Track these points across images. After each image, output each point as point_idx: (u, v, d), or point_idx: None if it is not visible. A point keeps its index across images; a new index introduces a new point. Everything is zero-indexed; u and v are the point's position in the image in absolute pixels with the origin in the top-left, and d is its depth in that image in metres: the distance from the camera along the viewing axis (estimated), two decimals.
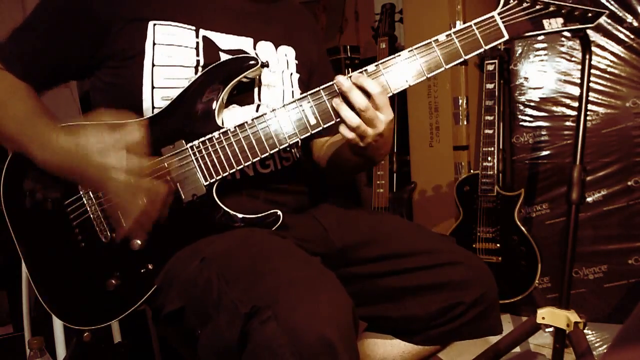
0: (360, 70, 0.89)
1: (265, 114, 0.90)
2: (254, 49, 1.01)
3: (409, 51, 0.90)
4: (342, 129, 0.88)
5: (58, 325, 1.20)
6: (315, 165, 1.19)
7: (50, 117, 0.89)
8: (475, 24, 0.90)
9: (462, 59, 0.90)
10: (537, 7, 0.90)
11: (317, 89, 0.90)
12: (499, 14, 0.91)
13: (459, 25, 0.91)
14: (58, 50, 0.93)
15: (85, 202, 0.90)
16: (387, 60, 0.90)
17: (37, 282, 0.93)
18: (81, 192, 0.90)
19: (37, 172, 0.91)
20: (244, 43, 1.00)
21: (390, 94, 0.89)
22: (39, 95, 0.96)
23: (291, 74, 1.07)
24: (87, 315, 0.93)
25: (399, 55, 0.90)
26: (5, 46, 0.93)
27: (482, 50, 0.91)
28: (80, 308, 0.93)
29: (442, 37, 0.90)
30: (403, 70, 0.90)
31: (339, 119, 0.89)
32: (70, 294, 0.93)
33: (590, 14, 0.92)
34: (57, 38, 0.93)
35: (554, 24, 0.91)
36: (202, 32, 0.95)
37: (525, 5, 0.90)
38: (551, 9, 0.90)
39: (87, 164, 0.83)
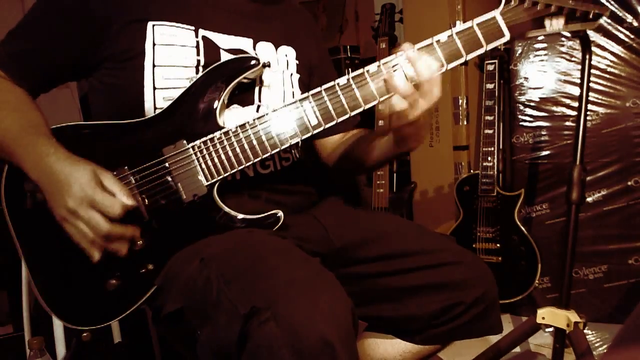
0: (391, 57, 0.89)
1: (266, 114, 0.90)
2: (254, 49, 1.01)
3: (412, 50, 0.89)
4: (395, 99, 0.87)
5: (58, 325, 1.20)
6: (322, 165, 1.19)
7: (45, 129, 0.88)
8: (477, 24, 0.90)
9: (463, 59, 0.90)
10: (539, 7, 0.90)
11: (319, 89, 0.90)
12: (500, 13, 0.91)
13: (459, 25, 0.91)
14: (55, 52, 0.93)
15: None
16: (390, 60, 0.89)
17: (37, 282, 0.93)
18: None
19: None
20: (243, 43, 1.00)
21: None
22: (35, 98, 0.95)
23: (291, 74, 1.07)
24: (87, 315, 0.93)
25: (401, 55, 0.89)
26: (1, 48, 0.93)
27: (483, 50, 0.91)
28: (80, 308, 0.93)
29: (443, 37, 0.90)
30: (406, 67, 0.89)
31: (340, 119, 0.89)
32: (70, 294, 0.93)
33: (591, 14, 0.92)
34: (53, 40, 0.92)
35: (555, 24, 0.91)
36: (201, 32, 0.95)
37: (526, 5, 0.90)
38: (552, 9, 0.90)
39: (61, 198, 0.82)
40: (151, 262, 0.90)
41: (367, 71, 0.89)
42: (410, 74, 0.87)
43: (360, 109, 0.91)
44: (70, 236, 0.87)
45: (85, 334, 0.93)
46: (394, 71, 0.88)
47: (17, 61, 0.92)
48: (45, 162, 0.83)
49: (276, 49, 1.04)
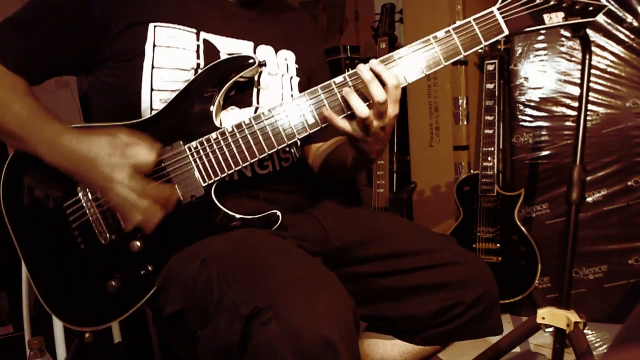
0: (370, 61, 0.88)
1: (263, 113, 0.90)
2: (254, 53, 1.01)
3: (407, 48, 0.89)
4: (342, 122, 0.87)
5: (58, 325, 1.20)
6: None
7: (54, 116, 0.88)
8: (474, 19, 0.90)
9: (461, 56, 0.90)
10: (537, 1, 0.89)
11: (315, 87, 0.90)
12: (498, 9, 0.90)
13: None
14: (54, 50, 0.93)
15: (84, 204, 0.90)
16: (386, 58, 0.89)
17: (37, 283, 0.93)
18: (80, 195, 0.90)
19: (36, 173, 0.90)
20: (244, 47, 1.00)
21: None
22: (31, 87, 0.95)
23: (291, 77, 1.07)
24: (87, 316, 0.93)
25: (398, 53, 0.89)
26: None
27: (481, 46, 0.90)
28: (80, 309, 0.93)
29: (440, 34, 0.89)
30: (402, 68, 0.89)
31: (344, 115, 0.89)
32: (70, 295, 0.93)
33: (591, 7, 0.91)
34: (54, 38, 0.92)
35: (554, 18, 0.90)
36: (202, 35, 0.95)
37: None
38: (551, 2, 0.89)
39: (93, 170, 0.83)
40: (151, 263, 0.90)
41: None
42: (368, 92, 0.86)
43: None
44: (70, 236, 0.87)
45: (87, 335, 0.93)
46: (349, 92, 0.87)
47: (14, 52, 0.91)
48: (62, 144, 0.84)
49: (276, 53, 1.05)
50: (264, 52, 1.03)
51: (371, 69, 0.86)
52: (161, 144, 0.87)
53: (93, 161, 0.82)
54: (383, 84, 0.86)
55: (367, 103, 0.87)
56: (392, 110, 0.88)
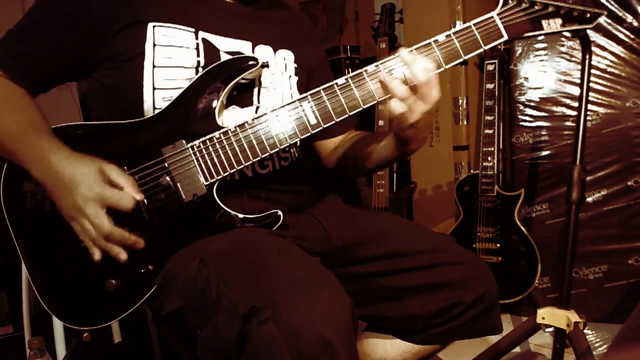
0: (388, 58, 0.89)
1: (265, 114, 0.90)
2: (253, 52, 1.01)
3: (408, 51, 0.90)
4: (393, 103, 0.87)
5: (58, 325, 1.20)
6: (323, 166, 1.19)
7: (46, 127, 0.89)
8: (474, 24, 0.91)
9: (461, 59, 0.91)
10: (536, 7, 0.90)
11: (318, 89, 0.90)
12: (498, 14, 0.91)
13: (459, 25, 0.91)
14: (54, 52, 0.93)
15: None
16: (387, 61, 0.90)
17: (37, 282, 0.93)
18: None
19: None
20: (242, 46, 1.00)
21: None
22: (34, 97, 0.95)
23: (290, 76, 1.07)
24: (87, 315, 0.93)
25: (397, 57, 0.90)
26: (1, 48, 0.93)
27: (481, 50, 0.91)
28: (80, 308, 0.93)
29: (441, 38, 0.90)
30: (403, 70, 0.89)
31: (340, 119, 0.89)
32: (70, 295, 0.93)
33: (588, 15, 0.92)
34: (53, 41, 0.92)
35: (552, 25, 0.91)
36: (201, 34, 0.95)
37: (524, 5, 0.90)
38: (550, 9, 0.90)
39: (68, 197, 0.83)
40: (151, 262, 0.90)
41: (366, 71, 0.89)
42: (407, 76, 0.87)
43: (359, 109, 0.91)
44: (70, 236, 0.87)
45: (85, 335, 0.93)
46: (390, 74, 0.88)
47: (17, 62, 0.92)
48: (48, 161, 0.84)
49: (275, 52, 1.05)
50: (263, 51, 1.03)
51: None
52: (143, 195, 0.87)
53: (72, 188, 0.82)
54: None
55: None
56: (436, 92, 0.87)
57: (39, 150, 0.85)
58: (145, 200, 0.89)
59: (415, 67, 0.85)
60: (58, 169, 0.83)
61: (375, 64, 0.90)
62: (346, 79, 0.90)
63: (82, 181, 0.82)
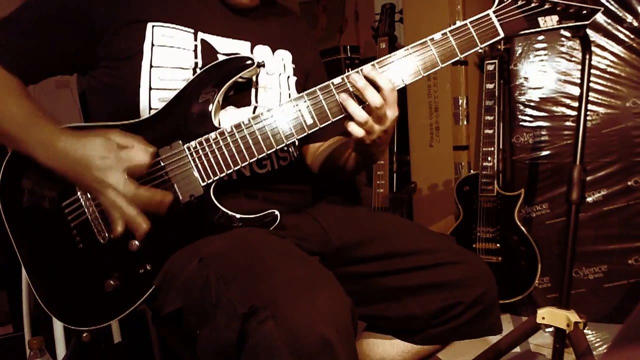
0: (361, 67, 0.89)
1: (262, 114, 0.90)
2: (251, 52, 1.02)
3: (404, 50, 0.90)
4: (351, 125, 0.88)
5: (58, 325, 1.20)
6: (309, 169, 1.19)
7: (50, 117, 0.89)
8: (470, 22, 0.91)
9: (457, 58, 0.91)
10: (532, 4, 0.90)
11: (314, 88, 0.90)
12: (494, 12, 0.91)
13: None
14: (51, 47, 0.93)
15: (82, 203, 0.90)
16: (383, 60, 0.90)
17: (35, 283, 0.93)
18: (79, 193, 0.90)
19: (34, 173, 0.90)
20: (241, 47, 1.00)
21: None
22: (26, 87, 0.94)
23: (288, 77, 1.07)
24: (86, 315, 0.93)
25: (395, 55, 0.90)
26: None
27: (477, 48, 0.91)
28: (79, 309, 0.93)
29: (437, 36, 0.90)
30: (399, 69, 0.90)
31: (336, 119, 0.90)
32: (69, 295, 0.93)
33: (585, 11, 0.92)
34: (50, 33, 0.92)
35: (549, 22, 0.91)
36: (200, 35, 0.95)
37: (520, 3, 0.90)
38: (546, 6, 0.90)
39: (86, 173, 0.83)
40: (149, 263, 0.90)
41: (362, 70, 0.89)
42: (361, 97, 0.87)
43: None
44: (68, 236, 0.87)
45: (85, 335, 0.93)
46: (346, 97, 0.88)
47: (10, 51, 0.91)
48: (56, 146, 0.84)
49: (273, 53, 1.05)
50: (261, 52, 1.03)
51: (365, 76, 0.87)
52: (155, 147, 0.87)
53: (87, 164, 0.82)
54: (378, 88, 0.87)
55: (363, 105, 0.88)
56: (392, 113, 0.89)
57: (46, 136, 0.85)
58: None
59: (368, 93, 0.86)
60: (68, 151, 0.83)
61: (372, 63, 0.90)
62: (342, 79, 0.90)
63: (94, 154, 0.82)
